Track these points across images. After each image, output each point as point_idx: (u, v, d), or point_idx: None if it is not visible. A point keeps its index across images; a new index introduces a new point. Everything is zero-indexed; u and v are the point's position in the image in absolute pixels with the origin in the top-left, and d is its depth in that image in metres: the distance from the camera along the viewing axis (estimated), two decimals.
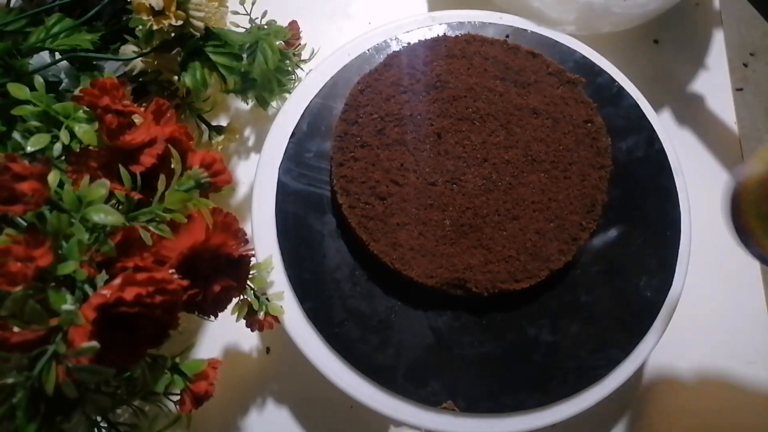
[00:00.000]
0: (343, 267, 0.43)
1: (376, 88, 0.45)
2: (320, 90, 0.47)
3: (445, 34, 0.49)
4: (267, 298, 0.40)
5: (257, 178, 0.45)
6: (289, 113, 0.46)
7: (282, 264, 0.43)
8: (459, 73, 0.46)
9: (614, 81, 0.49)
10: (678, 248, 0.45)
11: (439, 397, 0.40)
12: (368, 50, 0.49)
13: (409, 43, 0.48)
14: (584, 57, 0.50)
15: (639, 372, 0.49)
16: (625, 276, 0.44)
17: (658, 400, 0.49)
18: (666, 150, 0.47)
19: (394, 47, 0.49)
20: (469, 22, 0.50)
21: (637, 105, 0.49)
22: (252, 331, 0.40)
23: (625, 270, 0.44)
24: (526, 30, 0.51)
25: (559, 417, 0.41)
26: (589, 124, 0.46)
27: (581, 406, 0.41)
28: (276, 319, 0.41)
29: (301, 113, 0.46)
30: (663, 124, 0.48)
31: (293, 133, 0.46)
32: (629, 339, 0.42)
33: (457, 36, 0.48)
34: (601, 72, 0.49)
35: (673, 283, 0.44)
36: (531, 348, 0.42)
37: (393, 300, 0.42)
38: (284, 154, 0.45)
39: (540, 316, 0.42)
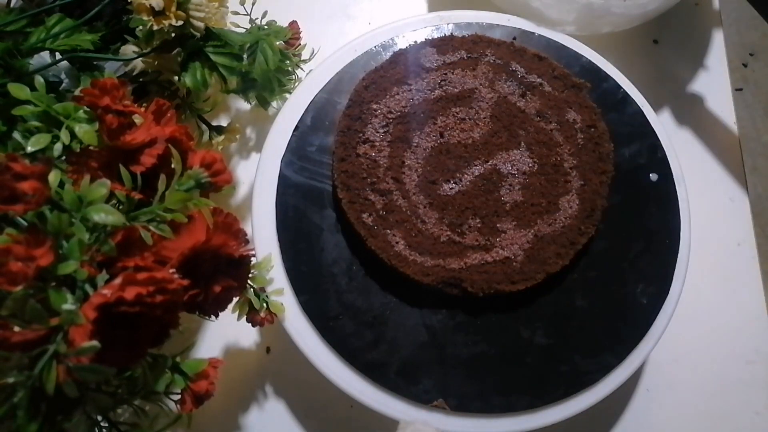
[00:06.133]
0: (340, 261, 0.43)
1: (381, 84, 0.45)
2: (325, 85, 0.47)
3: (452, 33, 0.49)
4: (267, 295, 0.40)
5: (259, 170, 0.45)
6: (293, 107, 0.47)
7: (280, 256, 0.43)
8: (464, 73, 0.46)
9: (620, 87, 0.49)
10: (676, 257, 0.45)
11: (430, 395, 0.40)
12: (375, 47, 0.49)
13: (415, 42, 0.48)
14: (591, 62, 0.50)
15: (638, 372, 0.49)
16: (622, 283, 0.44)
17: (657, 399, 0.49)
18: (669, 158, 0.47)
19: (401, 45, 0.49)
20: (476, 23, 0.50)
21: (642, 112, 0.48)
22: (253, 326, 0.40)
23: (622, 277, 0.44)
24: (533, 33, 0.50)
25: (550, 420, 0.41)
26: (593, 129, 0.45)
27: (572, 411, 0.41)
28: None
29: (306, 107, 0.46)
30: (667, 131, 0.48)
31: (297, 127, 0.46)
32: (623, 346, 0.42)
33: (464, 36, 0.48)
34: (607, 77, 0.49)
35: (670, 292, 0.44)
36: (524, 350, 0.42)
37: (389, 296, 0.42)
38: (287, 146, 0.45)
39: (535, 319, 0.42)
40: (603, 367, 0.42)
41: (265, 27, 0.48)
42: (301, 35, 0.52)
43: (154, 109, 0.33)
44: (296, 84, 0.51)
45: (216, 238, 0.31)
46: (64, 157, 0.32)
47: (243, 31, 0.46)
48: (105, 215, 0.27)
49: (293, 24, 0.51)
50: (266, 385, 0.48)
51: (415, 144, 0.44)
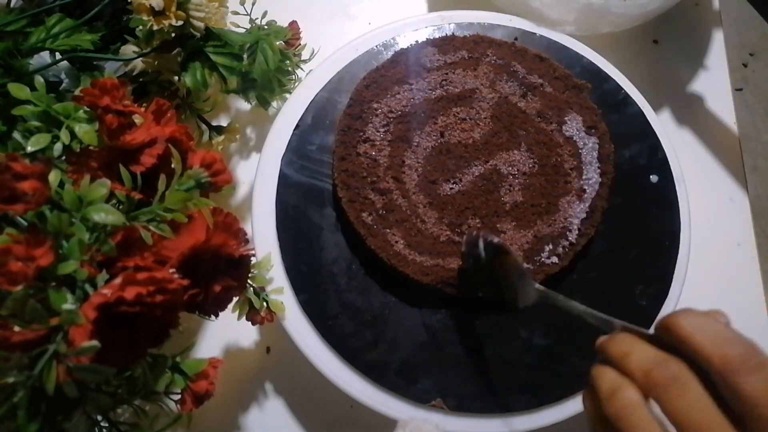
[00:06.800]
0: (339, 261, 0.43)
1: (382, 84, 0.45)
2: (326, 84, 0.47)
3: (453, 33, 0.49)
4: (267, 295, 0.40)
5: (259, 169, 0.45)
6: (294, 106, 0.47)
7: (280, 255, 0.43)
8: (465, 73, 0.46)
9: (620, 88, 0.49)
10: (676, 259, 0.44)
11: (429, 394, 0.40)
12: (376, 46, 0.49)
13: (416, 41, 0.48)
14: (591, 63, 0.50)
15: None
16: (621, 284, 0.44)
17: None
18: (669, 159, 0.47)
19: (402, 44, 0.49)
20: (478, 23, 0.50)
21: (642, 113, 0.48)
22: (253, 324, 0.40)
23: (621, 278, 0.44)
24: (534, 33, 0.50)
25: (549, 420, 0.41)
26: (593, 130, 0.45)
27: (571, 411, 0.41)
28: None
29: (306, 106, 0.46)
30: (667, 131, 0.48)
31: (297, 126, 0.46)
32: None
33: (465, 36, 0.48)
34: (607, 78, 0.49)
35: (669, 293, 0.44)
36: (523, 351, 0.42)
37: (388, 296, 0.42)
38: (287, 145, 0.45)
39: (534, 320, 0.42)
40: None
41: (265, 27, 0.48)
42: (301, 35, 0.52)
43: (154, 109, 0.33)
44: (296, 84, 0.51)
45: (216, 237, 0.31)
46: (64, 157, 0.32)
47: (243, 31, 0.46)
48: (105, 215, 0.27)
49: (293, 24, 0.51)
50: (266, 385, 0.48)
51: (416, 143, 0.44)
